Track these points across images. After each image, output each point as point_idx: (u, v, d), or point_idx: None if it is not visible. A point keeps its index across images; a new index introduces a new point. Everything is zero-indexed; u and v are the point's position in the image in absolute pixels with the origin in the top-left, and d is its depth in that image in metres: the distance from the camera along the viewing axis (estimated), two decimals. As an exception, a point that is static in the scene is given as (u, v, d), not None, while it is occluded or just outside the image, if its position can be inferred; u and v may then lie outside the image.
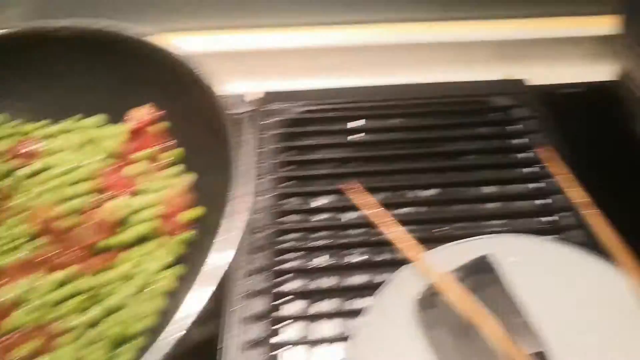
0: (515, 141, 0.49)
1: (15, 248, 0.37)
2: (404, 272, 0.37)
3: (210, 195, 0.38)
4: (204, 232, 0.38)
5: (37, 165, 0.42)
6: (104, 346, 0.33)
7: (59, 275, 0.35)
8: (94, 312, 0.34)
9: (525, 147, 0.48)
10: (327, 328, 0.38)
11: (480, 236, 0.38)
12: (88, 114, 0.46)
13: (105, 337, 0.33)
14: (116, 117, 0.45)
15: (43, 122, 0.46)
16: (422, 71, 0.56)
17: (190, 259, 0.37)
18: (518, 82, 0.53)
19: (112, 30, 0.43)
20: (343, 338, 0.36)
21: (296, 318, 0.38)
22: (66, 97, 0.45)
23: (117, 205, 0.39)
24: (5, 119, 0.46)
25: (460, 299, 0.34)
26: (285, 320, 0.38)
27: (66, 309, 0.34)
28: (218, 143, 0.37)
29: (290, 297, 0.39)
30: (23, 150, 0.43)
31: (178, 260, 0.37)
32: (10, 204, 0.39)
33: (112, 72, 0.44)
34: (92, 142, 0.43)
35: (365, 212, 0.41)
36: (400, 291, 0.36)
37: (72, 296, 0.34)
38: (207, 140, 0.39)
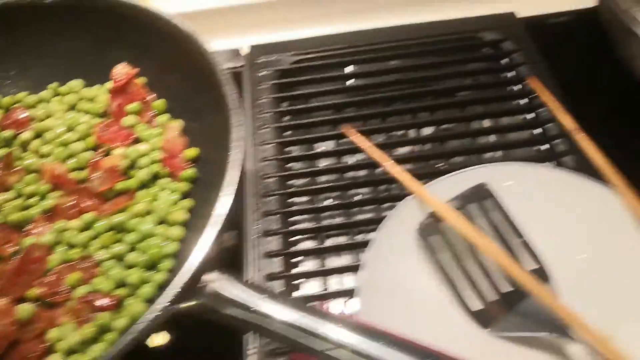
0: (507, 74, 0.49)
1: (36, 203, 0.39)
2: (406, 203, 0.38)
3: (203, 138, 0.41)
4: (203, 170, 0.40)
5: (32, 132, 0.43)
6: (139, 270, 0.35)
7: (87, 216, 0.38)
8: (123, 244, 0.37)
9: (517, 79, 0.49)
10: (338, 261, 0.40)
11: (477, 166, 0.39)
12: (65, 80, 0.46)
13: (138, 262, 0.36)
14: (94, 79, 0.45)
15: (22, 93, 0.45)
16: (410, 12, 0.56)
17: (195, 195, 0.39)
18: (508, 15, 0.53)
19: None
20: (354, 268, 0.37)
21: (310, 252, 0.40)
22: (41, 66, 0.46)
23: (121, 154, 0.41)
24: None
25: (461, 224, 0.35)
26: (300, 255, 0.40)
27: (98, 245, 0.37)
28: (208, 93, 0.38)
29: (303, 235, 0.41)
30: (11, 121, 0.43)
31: (185, 196, 0.39)
32: (20, 166, 0.41)
33: (87, 35, 0.45)
34: (79, 104, 0.44)
35: (367, 153, 0.42)
36: (404, 221, 0.37)
37: (99, 235, 0.37)
38: (194, 91, 0.41)
